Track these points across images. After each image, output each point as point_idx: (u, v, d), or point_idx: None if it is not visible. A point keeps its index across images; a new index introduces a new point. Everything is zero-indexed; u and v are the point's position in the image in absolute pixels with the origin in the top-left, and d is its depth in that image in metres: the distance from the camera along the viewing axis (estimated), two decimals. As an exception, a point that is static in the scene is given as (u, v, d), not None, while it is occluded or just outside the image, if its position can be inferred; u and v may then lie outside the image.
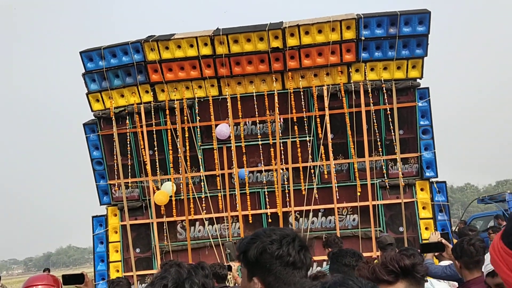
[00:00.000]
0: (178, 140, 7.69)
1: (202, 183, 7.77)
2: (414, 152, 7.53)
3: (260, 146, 7.62)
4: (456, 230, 10.90)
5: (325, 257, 5.71)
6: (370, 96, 7.39)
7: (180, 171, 7.73)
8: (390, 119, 7.39)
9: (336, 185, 7.47)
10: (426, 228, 7.40)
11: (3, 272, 66.37)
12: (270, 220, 7.58)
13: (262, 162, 7.68)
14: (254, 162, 7.76)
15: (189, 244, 7.74)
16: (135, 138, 7.84)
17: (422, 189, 7.56)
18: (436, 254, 4.48)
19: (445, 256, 4.17)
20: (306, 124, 7.50)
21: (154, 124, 7.75)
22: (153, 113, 7.73)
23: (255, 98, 7.57)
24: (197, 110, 7.69)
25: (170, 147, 7.74)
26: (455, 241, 5.40)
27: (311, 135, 7.52)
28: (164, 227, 7.79)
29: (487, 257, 3.19)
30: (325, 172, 7.51)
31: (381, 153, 7.50)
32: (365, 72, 7.45)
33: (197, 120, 7.69)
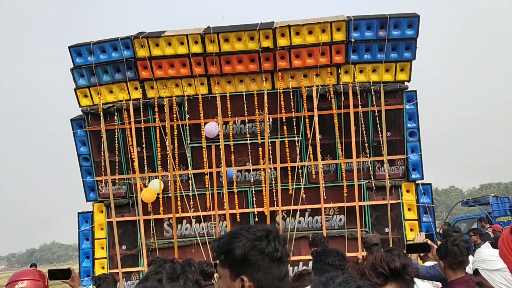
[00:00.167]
0: (166, 137, 7.67)
1: (190, 181, 7.76)
2: (401, 154, 7.62)
3: (249, 145, 7.64)
4: (441, 231, 11.05)
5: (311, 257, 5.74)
6: (359, 98, 7.45)
7: (168, 169, 7.72)
8: (378, 121, 7.46)
9: (323, 185, 7.53)
10: (411, 229, 7.50)
11: (-16, 268, 65.38)
12: (257, 219, 7.61)
13: (250, 161, 7.70)
14: (243, 161, 7.78)
15: (175, 242, 7.73)
16: (123, 134, 7.80)
17: (408, 191, 7.65)
18: (421, 254, 4.55)
19: (430, 256, 4.24)
20: (295, 124, 7.54)
21: (142, 121, 7.72)
22: (142, 110, 7.70)
23: (244, 97, 7.59)
24: (186, 108, 7.68)
25: (159, 145, 7.72)
26: (439, 242, 5.48)
27: (300, 135, 7.56)
28: (151, 224, 7.77)
29: (471, 258, 3.26)
30: (313, 172, 7.56)
31: (368, 155, 7.58)
32: (354, 74, 7.51)
33: (186, 118, 7.68)
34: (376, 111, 7.48)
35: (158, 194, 7.67)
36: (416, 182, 7.67)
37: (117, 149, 7.75)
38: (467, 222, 14.40)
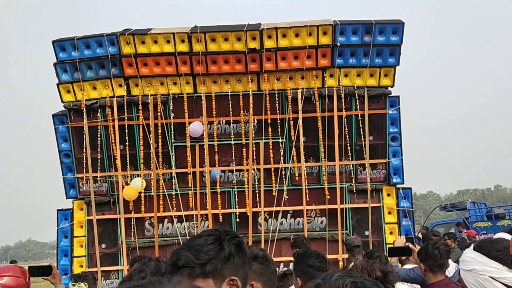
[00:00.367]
0: (150, 136, 7.62)
1: (173, 180, 7.72)
2: (382, 158, 7.72)
3: (233, 146, 7.64)
4: (419, 235, 11.22)
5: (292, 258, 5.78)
6: (343, 102, 7.53)
7: (151, 167, 7.66)
8: (361, 125, 7.55)
9: (306, 187, 7.58)
10: (391, 233, 7.60)
11: (-44, 265, 63.74)
12: (238, 220, 7.61)
13: (234, 162, 7.70)
14: (226, 162, 7.78)
15: (156, 241, 7.67)
16: (106, 131, 7.72)
17: (388, 195, 7.76)
18: (402, 258, 4.62)
19: (410, 260, 4.31)
20: (279, 126, 7.57)
21: (126, 118, 7.65)
22: (125, 108, 7.62)
23: (230, 98, 7.59)
24: (171, 106, 7.64)
25: (142, 143, 7.66)
26: (418, 246, 5.57)
27: (284, 137, 7.60)
28: (132, 223, 7.70)
29: (451, 262, 3.33)
30: (296, 174, 7.60)
31: (350, 158, 7.66)
32: (339, 78, 7.58)
33: (171, 116, 7.65)
34: (359, 115, 7.57)
35: (140, 192, 7.61)
36: (397, 186, 7.78)
37: (99, 146, 7.66)
38: (445, 227, 14.66)
